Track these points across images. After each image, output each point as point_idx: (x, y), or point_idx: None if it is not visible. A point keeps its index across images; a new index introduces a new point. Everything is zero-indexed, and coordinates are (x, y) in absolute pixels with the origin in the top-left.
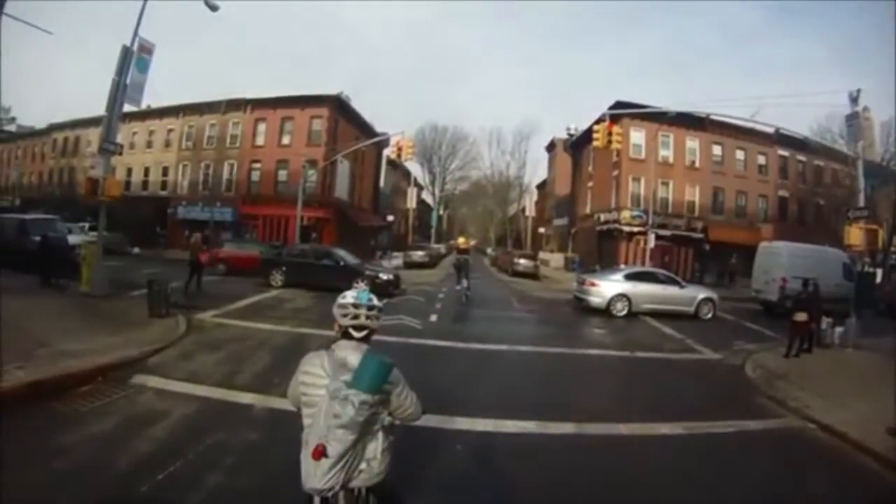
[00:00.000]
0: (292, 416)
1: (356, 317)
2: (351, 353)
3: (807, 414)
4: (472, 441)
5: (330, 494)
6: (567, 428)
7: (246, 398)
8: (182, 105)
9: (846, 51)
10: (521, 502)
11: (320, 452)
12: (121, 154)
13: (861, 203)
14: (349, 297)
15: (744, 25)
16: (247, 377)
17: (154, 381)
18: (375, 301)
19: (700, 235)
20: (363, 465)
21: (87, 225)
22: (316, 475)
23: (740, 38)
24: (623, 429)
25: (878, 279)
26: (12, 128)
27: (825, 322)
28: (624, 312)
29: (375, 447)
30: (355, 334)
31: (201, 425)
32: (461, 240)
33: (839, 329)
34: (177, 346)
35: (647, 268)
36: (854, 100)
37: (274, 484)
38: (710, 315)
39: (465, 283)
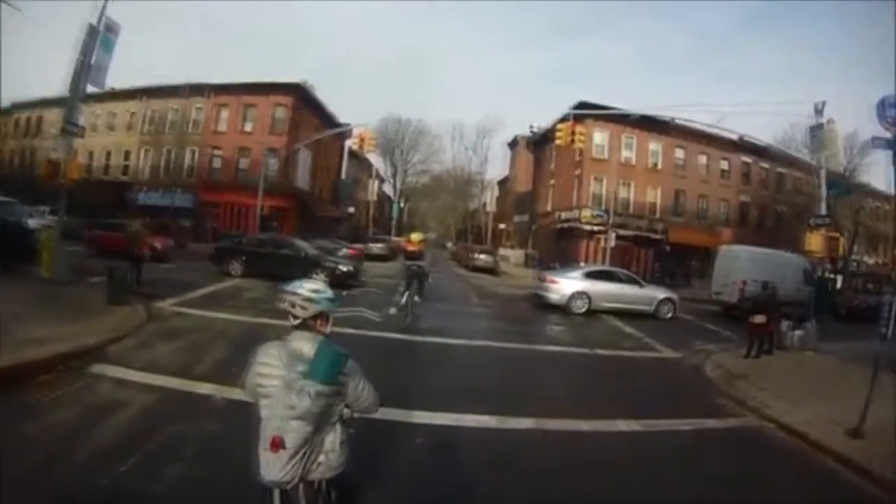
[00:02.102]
0: (252, 407)
1: (293, 305)
2: (306, 344)
3: (766, 414)
4: (431, 435)
5: (289, 487)
6: (527, 423)
7: (205, 388)
8: (145, 88)
9: (814, 63)
10: (479, 496)
11: (277, 444)
12: (83, 136)
13: (822, 211)
14: (297, 284)
15: (714, 33)
16: (206, 367)
17: (114, 371)
18: (303, 290)
19: (660, 236)
20: (322, 458)
21: (46, 209)
22: (274, 467)
23: (709, 44)
24: (583, 425)
25: (839, 285)
26: None
27: (785, 325)
28: (583, 310)
29: (333, 439)
30: (292, 321)
31: (161, 416)
32: (414, 237)
33: (798, 332)
34: (136, 335)
35: (607, 266)
36: (819, 111)
37: (233, 475)
38: (669, 315)
39: (416, 297)
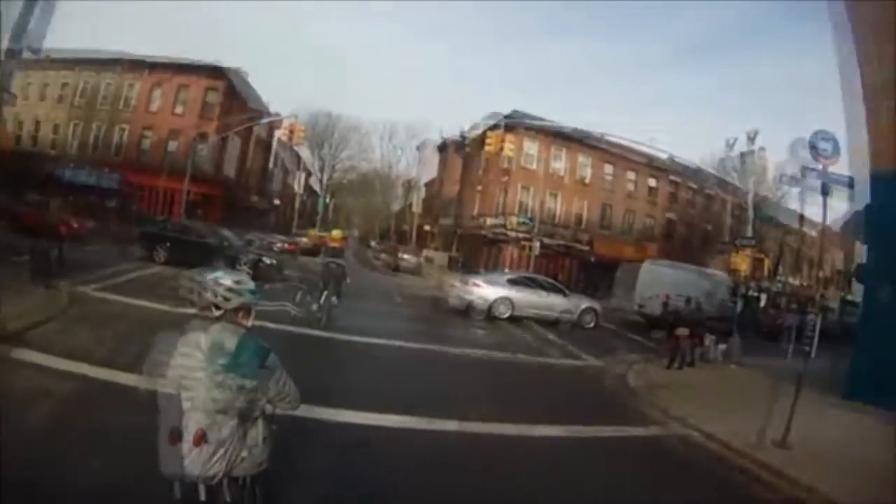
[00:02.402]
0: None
1: (215, 295)
2: (228, 337)
3: (690, 423)
4: (353, 434)
5: (214, 482)
6: (450, 425)
7: (129, 379)
8: (81, 59)
9: (752, 92)
10: (401, 496)
11: (200, 438)
12: (14, 104)
13: (749, 233)
14: (216, 274)
15: (654, 56)
16: (129, 356)
17: (35, 357)
18: (230, 282)
19: (586, 248)
20: (245, 453)
21: None
22: (197, 462)
23: (649, 66)
24: (506, 429)
25: (763, 303)
26: None
27: (709, 339)
28: (506, 315)
29: (256, 435)
30: (211, 313)
31: (82, 405)
32: (335, 233)
33: (722, 346)
34: (59, 320)
35: (532, 274)
36: (751, 139)
37: (154, 469)
38: (592, 324)
39: (333, 299)
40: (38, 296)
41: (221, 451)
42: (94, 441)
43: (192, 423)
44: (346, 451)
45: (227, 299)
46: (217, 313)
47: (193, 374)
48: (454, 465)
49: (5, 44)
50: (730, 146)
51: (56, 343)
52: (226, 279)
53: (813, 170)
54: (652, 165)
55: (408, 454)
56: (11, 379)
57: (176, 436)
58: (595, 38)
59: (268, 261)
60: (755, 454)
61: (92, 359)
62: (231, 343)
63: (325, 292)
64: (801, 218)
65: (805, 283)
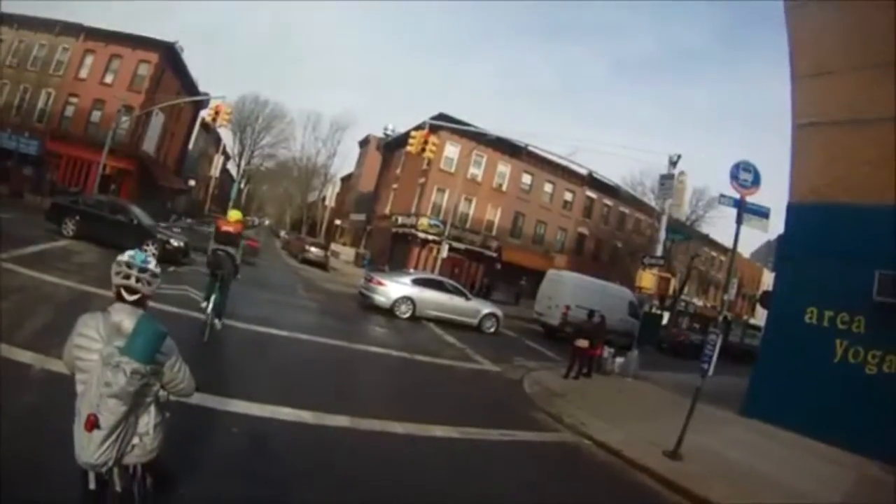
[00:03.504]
0: (72, 382)
1: (127, 276)
2: (126, 318)
3: (582, 431)
4: (247, 425)
5: (104, 470)
6: (342, 421)
7: (24, 356)
8: (17, 15)
9: (679, 117)
10: (291, 489)
11: (92, 423)
12: None
13: (659, 252)
14: (126, 255)
15: (587, 72)
16: (26, 333)
17: None
18: (151, 265)
19: (493, 254)
20: (136, 441)
21: None
22: (89, 448)
23: (578, 82)
24: (398, 427)
25: (665, 321)
26: None
27: (607, 351)
28: (407, 315)
29: (148, 421)
30: (127, 296)
31: None
32: (232, 214)
33: (620, 360)
34: None
35: (436, 276)
36: (673, 163)
37: (49, 454)
38: (492, 329)
39: (212, 310)
40: None
41: (112, 437)
42: None
43: (85, 408)
44: (237, 442)
45: (149, 284)
46: (133, 297)
47: (89, 356)
48: (343, 461)
49: None
50: (664, 165)
51: None
52: (150, 263)
53: (730, 198)
54: (570, 179)
55: (299, 448)
56: None
57: (93, 422)
58: (528, 52)
59: (175, 243)
60: (645, 463)
61: None
62: (129, 325)
63: (212, 296)
64: (711, 242)
65: (709, 305)
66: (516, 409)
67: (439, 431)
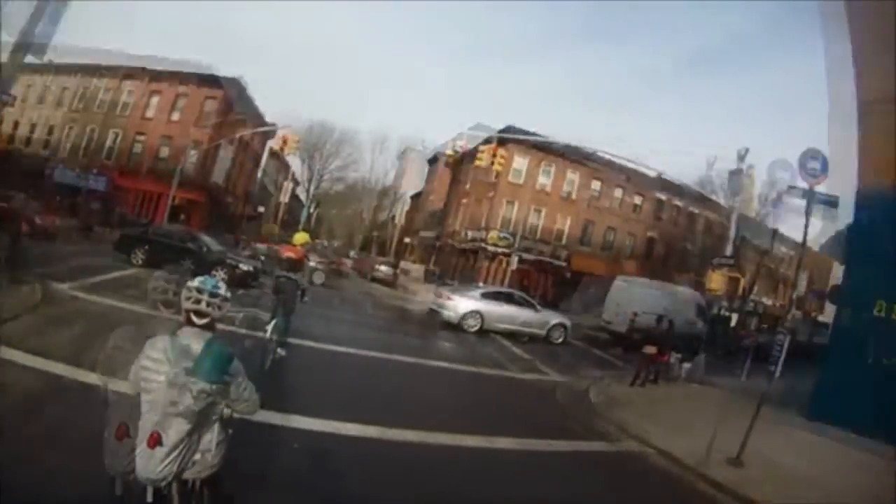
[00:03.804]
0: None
1: (197, 301)
2: (194, 341)
3: (646, 439)
4: (310, 441)
5: (163, 484)
6: (409, 436)
7: (93, 378)
8: (83, 65)
9: (743, 110)
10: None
11: (156, 440)
12: (13, 106)
13: (729, 252)
14: (196, 281)
15: (645, 70)
16: (96, 355)
17: (3, 352)
18: (221, 290)
19: (563, 263)
20: (197, 456)
21: None
22: (150, 463)
23: (641, 81)
24: (464, 440)
25: (733, 322)
26: None
27: (674, 357)
28: (475, 329)
29: (211, 438)
30: (196, 320)
31: (45, 401)
32: (297, 238)
33: (687, 365)
34: (28, 316)
35: (505, 288)
36: (741, 157)
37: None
38: (560, 339)
39: (272, 335)
40: (12, 291)
41: (175, 453)
42: (51, 435)
43: (149, 425)
44: (304, 458)
45: (220, 308)
46: (202, 321)
47: (156, 377)
48: (411, 475)
49: (8, 47)
50: (710, 164)
51: (23, 339)
52: (220, 288)
53: (799, 188)
54: (639, 182)
55: (366, 463)
56: None
57: (123, 431)
58: (591, 53)
59: (244, 267)
60: (707, 471)
61: (56, 356)
62: (197, 347)
63: (274, 320)
64: (780, 237)
65: (778, 304)
66: (582, 419)
67: (505, 444)
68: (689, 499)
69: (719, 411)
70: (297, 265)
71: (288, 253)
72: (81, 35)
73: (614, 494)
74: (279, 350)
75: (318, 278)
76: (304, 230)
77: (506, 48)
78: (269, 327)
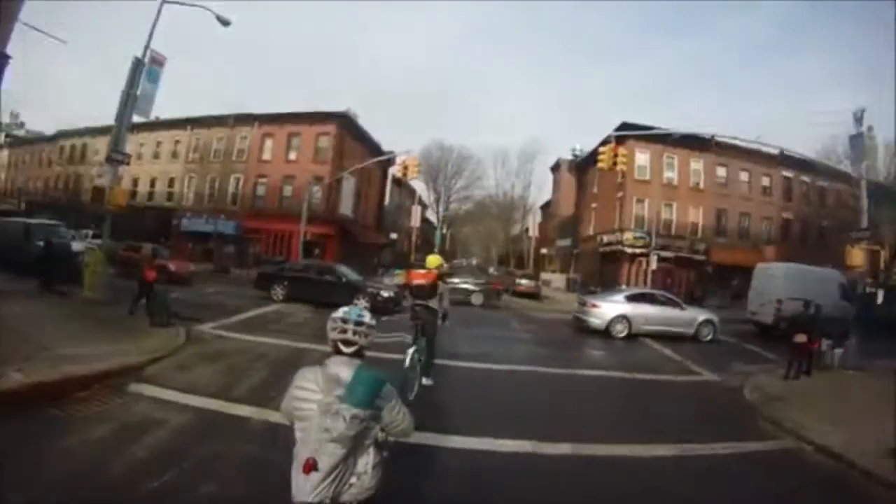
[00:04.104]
0: (288, 430)
1: (344, 331)
2: (344, 369)
3: (803, 435)
4: (466, 460)
5: None
6: (564, 449)
7: (243, 410)
8: (191, 118)
9: (852, 70)
10: None
11: (311, 466)
12: (128, 164)
13: (864, 224)
14: (340, 311)
15: (748, 45)
16: (244, 389)
17: (151, 390)
18: (366, 318)
19: (702, 257)
20: (353, 480)
21: (90, 232)
22: (305, 489)
23: (745, 57)
24: (620, 450)
25: (879, 300)
26: (21, 132)
27: (825, 344)
28: (624, 334)
29: (366, 462)
30: (344, 349)
31: (196, 435)
32: (431, 260)
33: (838, 351)
34: (175, 356)
35: (648, 289)
36: (858, 120)
37: (266, 496)
38: (710, 337)
39: (415, 365)
40: (157, 334)
41: (330, 478)
42: (204, 467)
43: (304, 452)
44: (458, 477)
45: (366, 336)
46: (350, 350)
47: (308, 406)
48: (567, 488)
49: (116, 109)
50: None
51: (169, 377)
52: (365, 317)
53: None
54: (763, 162)
55: (523, 478)
56: (126, 408)
57: (310, 465)
58: (684, 36)
59: (385, 294)
60: (865, 465)
61: (204, 391)
62: (347, 375)
63: (414, 348)
64: None
65: None
66: (738, 418)
67: (662, 450)
68: (844, 496)
69: (878, 399)
70: (428, 292)
71: (418, 280)
72: (182, 90)
73: (773, 497)
74: (424, 379)
75: (477, 300)
76: (436, 252)
77: (594, 51)
78: (409, 356)
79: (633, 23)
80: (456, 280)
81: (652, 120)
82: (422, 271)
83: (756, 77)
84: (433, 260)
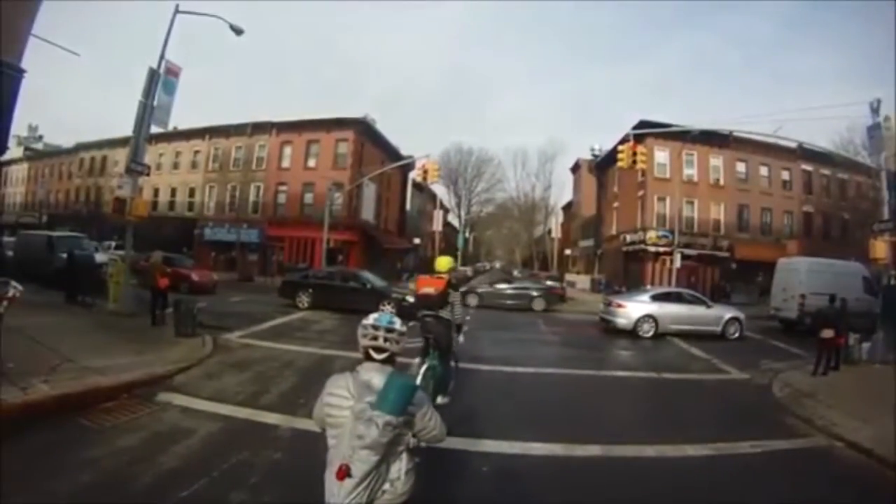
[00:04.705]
0: (317, 437)
1: (375, 338)
2: (375, 375)
3: (834, 432)
4: (498, 463)
5: None
6: (594, 450)
7: (271, 418)
8: (209, 127)
9: (866, 60)
10: None
11: (344, 473)
12: (148, 175)
13: (886, 215)
14: (371, 318)
15: (761, 40)
16: (272, 397)
17: (179, 399)
18: (397, 324)
19: (726, 254)
20: (387, 486)
21: (112, 243)
22: (339, 495)
23: (759, 52)
24: (650, 451)
25: None
26: (39, 146)
27: (852, 338)
28: (650, 334)
29: (399, 468)
30: (375, 356)
31: (226, 444)
32: (441, 262)
33: (866, 345)
34: (202, 366)
35: (674, 288)
36: (875, 110)
37: (297, 503)
38: (736, 335)
39: (438, 369)
40: (182, 345)
41: (364, 484)
42: (234, 475)
43: (337, 459)
44: (490, 482)
45: (398, 342)
46: (381, 356)
47: (341, 413)
48: (598, 490)
49: (134, 120)
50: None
51: (196, 386)
52: (396, 323)
53: None
54: (782, 156)
55: (555, 481)
56: (154, 418)
57: (344, 472)
58: (698, 32)
59: (411, 299)
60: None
61: (232, 399)
62: (379, 381)
63: (425, 362)
64: None
65: None
66: (767, 416)
67: (692, 450)
68: (872, 494)
69: None
70: (437, 301)
71: (424, 289)
72: (199, 100)
73: (803, 496)
74: (439, 398)
75: (539, 305)
76: (448, 254)
77: (608, 49)
78: (420, 374)
79: (644, 20)
80: (516, 285)
81: (669, 117)
82: (430, 278)
83: (770, 69)
84: (444, 262)
